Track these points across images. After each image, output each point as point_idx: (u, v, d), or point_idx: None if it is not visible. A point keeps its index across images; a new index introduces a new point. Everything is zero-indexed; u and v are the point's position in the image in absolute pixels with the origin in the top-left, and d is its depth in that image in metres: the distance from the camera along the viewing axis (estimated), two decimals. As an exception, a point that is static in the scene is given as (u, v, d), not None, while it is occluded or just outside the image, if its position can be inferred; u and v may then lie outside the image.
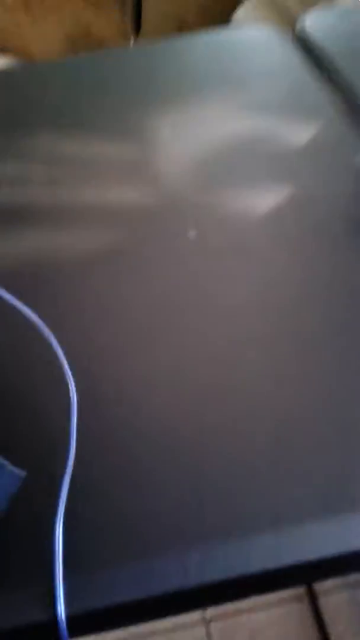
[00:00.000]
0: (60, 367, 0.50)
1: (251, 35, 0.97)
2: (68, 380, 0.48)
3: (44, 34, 1.85)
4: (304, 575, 0.47)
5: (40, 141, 0.78)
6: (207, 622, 1.04)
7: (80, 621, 0.42)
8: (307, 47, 0.92)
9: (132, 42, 1.80)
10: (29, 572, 0.42)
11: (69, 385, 0.48)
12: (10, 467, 0.39)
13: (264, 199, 0.70)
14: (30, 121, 0.83)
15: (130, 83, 0.90)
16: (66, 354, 0.52)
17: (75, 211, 0.69)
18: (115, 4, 1.74)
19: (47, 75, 0.93)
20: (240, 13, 1.95)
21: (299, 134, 0.78)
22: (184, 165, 0.75)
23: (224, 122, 0.81)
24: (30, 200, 0.70)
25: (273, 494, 0.46)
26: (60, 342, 0.53)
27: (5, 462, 0.39)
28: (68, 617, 0.41)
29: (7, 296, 0.49)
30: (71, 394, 0.48)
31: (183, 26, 1.84)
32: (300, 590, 1.07)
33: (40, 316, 0.54)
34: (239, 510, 0.45)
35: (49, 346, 0.50)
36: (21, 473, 0.40)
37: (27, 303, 0.55)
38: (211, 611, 1.06)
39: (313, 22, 0.93)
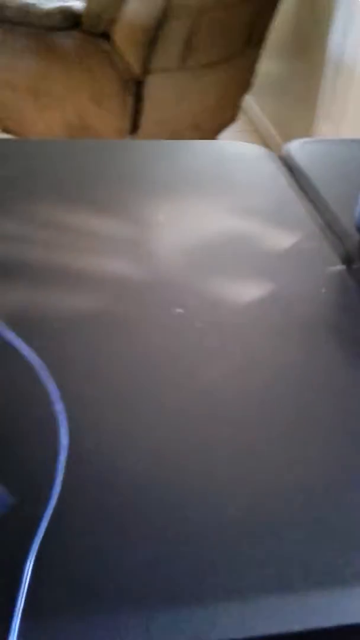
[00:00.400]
0: (53, 410, 0.51)
1: (241, 149, 1.07)
2: (60, 423, 0.49)
3: (46, 120, 1.97)
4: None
5: (42, 208, 0.84)
6: None
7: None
8: (290, 168, 1.03)
9: (127, 140, 1.93)
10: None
11: (61, 428, 0.49)
12: (1, 490, 0.39)
13: (245, 290, 0.75)
14: (33, 189, 0.88)
15: (129, 170, 0.97)
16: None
17: (69, 274, 0.73)
18: (116, 105, 1.88)
19: (51, 151, 1.00)
20: (226, 134, 2.14)
21: (280, 239, 0.86)
22: (175, 249, 0.80)
23: (213, 218, 0.88)
24: (28, 259, 0.74)
25: (242, 566, 0.47)
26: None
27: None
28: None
29: (12, 337, 0.51)
30: (61, 437, 0.49)
31: (175, 136, 1.99)
32: None
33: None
34: (209, 578, 0.46)
35: (45, 388, 0.52)
36: (10, 499, 0.40)
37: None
38: None
39: (298, 148, 1.05)
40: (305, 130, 2.05)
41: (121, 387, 0.60)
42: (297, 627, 0.45)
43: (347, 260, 0.84)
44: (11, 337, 0.50)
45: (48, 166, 0.93)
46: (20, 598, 0.41)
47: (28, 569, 0.43)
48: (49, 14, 1.84)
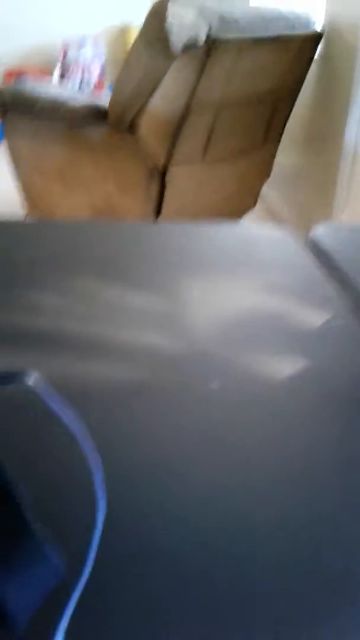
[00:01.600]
0: (93, 480, 0.51)
1: (268, 231, 1.11)
2: (98, 494, 0.49)
3: (73, 204, 2.05)
4: None
5: (81, 284, 0.86)
6: None
7: None
8: (317, 250, 1.06)
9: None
10: None
11: (99, 499, 0.49)
12: (56, 559, 0.38)
13: (279, 365, 0.75)
14: (72, 268, 0.91)
15: (160, 251, 1.01)
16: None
17: (107, 347, 0.74)
18: (140, 193, 1.97)
19: (87, 233, 1.04)
20: (245, 219, 2.22)
21: (311, 317, 0.87)
22: (209, 324, 0.82)
23: (244, 296, 0.90)
24: (68, 332, 0.75)
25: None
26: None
27: (54, 553, 0.38)
28: None
29: (56, 402, 0.52)
30: (99, 505, 0.48)
31: (197, 221, 2.07)
32: None
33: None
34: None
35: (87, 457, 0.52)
36: (63, 569, 0.38)
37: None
38: None
39: (324, 231, 1.08)
40: (324, 218, 2.13)
41: (157, 460, 0.59)
42: None
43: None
44: (56, 402, 0.50)
45: (85, 246, 0.97)
46: None
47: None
48: (79, 110, 1.97)
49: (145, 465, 0.59)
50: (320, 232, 1.08)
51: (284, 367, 0.76)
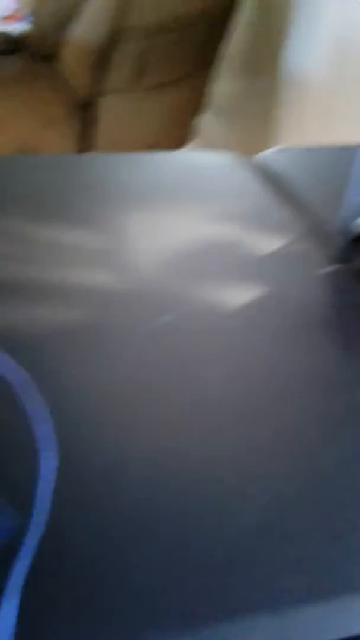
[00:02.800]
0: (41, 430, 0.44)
1: (213, 158, 1.03)
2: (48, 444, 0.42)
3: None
4: None
5: (11, 224, 0.76)
6: None
7: None
8: (268, 174, 0.99)
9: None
10: None
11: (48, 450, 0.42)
12: (9, 510, 0.31)
13: (235, 294, 0.70)
14: (2, 207, 0.80)
15: (95, 185, 0.91)
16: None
17: (48, 288, 0.66)
18: (65, 128, 1.83)
19: (14, 168, 0.93)
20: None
21: (266, 243, 0.81)
22: (157, 258, 0.74)
23: (192, 227, 0.82)
24: (5, 276, 0.67)
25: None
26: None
27: (6, 505, 0.31)
28: None
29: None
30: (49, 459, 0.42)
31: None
32: None
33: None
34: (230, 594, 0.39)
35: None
36: (17, 522, 0.32)
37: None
38: None
39: (274, 154, 1.01)
40: (266, 146, 2.05)
41: (114, 400, 0.54)
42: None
43: (336, 261, 0.80)
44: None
45: (11, 184, 0.86)
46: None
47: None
48: (-8, 37, 1.79)
49: (103, 405, 0.53)
50: (270, 155, 1.00)
51: (240, 295, 0.70)
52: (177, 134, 2.11)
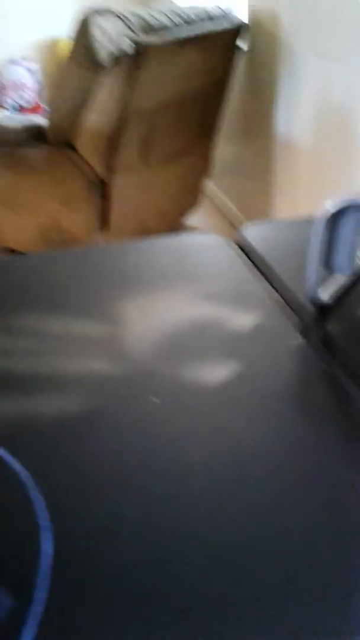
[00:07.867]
0: (37, 511, 0.55)
1: (200, 240, 1.16)
2: (43, 531, 0.52)
3: (19, 227, 2.07)
4: None
5: (26, 319, 0.91)
6: None
7: None
8: (245, 251, 1.11)
9: (98, 236, 2.04)
10: None
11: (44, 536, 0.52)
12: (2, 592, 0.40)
13: (213, 372, 0.81)
14: (16, 303, 0.96)
15: (101, 275, 1.05)
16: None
17: (52, 380, 0.79)
18: (85, 206, 2.00)
19: (23, 266, 1.08)
20: (193, 218, 2.25)
21: (242, 320, 0.92)
22: (149, 341, 0.87)
23: (180, 308, 0.95)
24: (15, 370, 0.80)
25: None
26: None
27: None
28: None
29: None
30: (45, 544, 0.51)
31: (144, 227, 2.11)
32: None
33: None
34: None
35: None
36: (10, 602, 0.40)
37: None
38: None
39: (250, 231, 1.13)
40: (265, 205, 2.18)
41: (109, 476, 0.65)
42: None
43: (305, 332, 0.90)
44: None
45: (22, 281, 1.01)
46: None
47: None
48: (16, 131, 1.98)
49: (93, 488, 0.63)
50: (248, 231, 1.13)
51: (218, 373, 0.81)
52: (184, 200, 2.26)
